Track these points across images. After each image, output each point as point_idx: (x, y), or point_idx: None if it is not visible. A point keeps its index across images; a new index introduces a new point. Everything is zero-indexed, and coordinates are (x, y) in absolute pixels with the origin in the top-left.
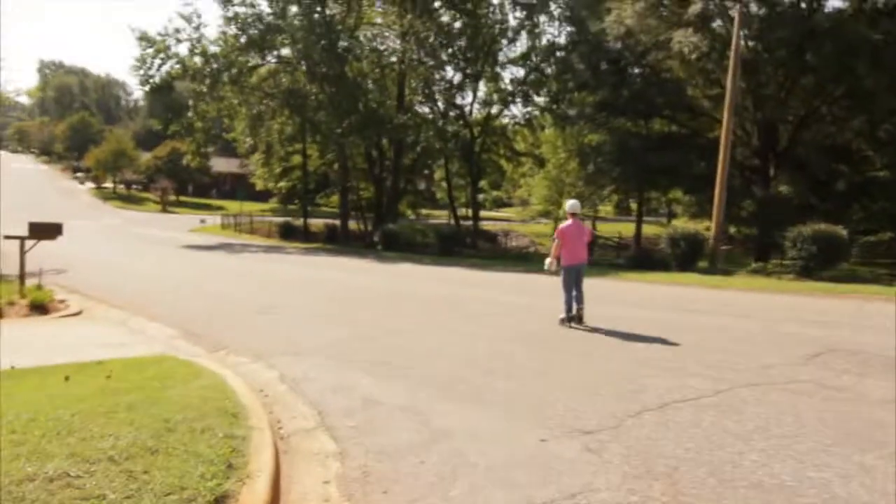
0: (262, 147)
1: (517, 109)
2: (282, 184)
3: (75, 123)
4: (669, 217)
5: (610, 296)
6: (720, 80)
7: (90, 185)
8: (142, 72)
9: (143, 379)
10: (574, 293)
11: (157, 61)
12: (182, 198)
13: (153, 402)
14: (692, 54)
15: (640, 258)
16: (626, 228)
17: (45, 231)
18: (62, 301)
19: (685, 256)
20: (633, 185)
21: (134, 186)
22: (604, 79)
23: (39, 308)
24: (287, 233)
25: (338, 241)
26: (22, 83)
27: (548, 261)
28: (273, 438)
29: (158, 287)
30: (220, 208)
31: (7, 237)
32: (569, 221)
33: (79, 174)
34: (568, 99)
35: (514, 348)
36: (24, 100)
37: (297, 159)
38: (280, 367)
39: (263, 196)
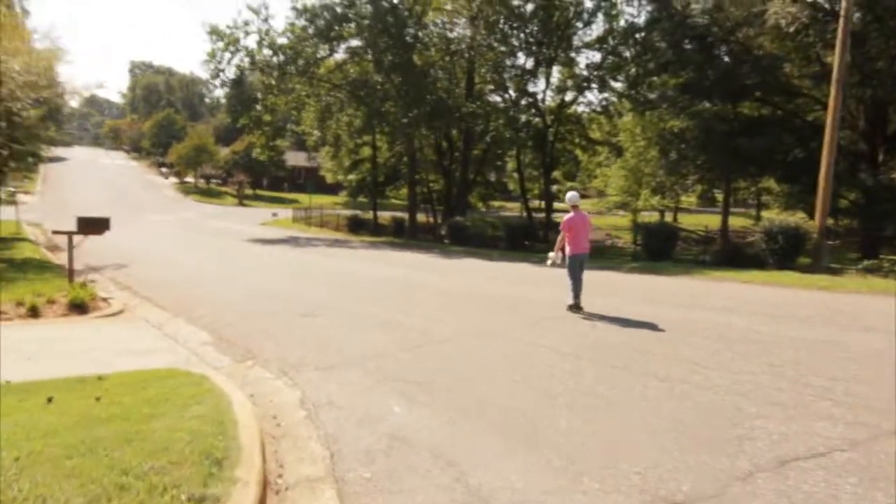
0: (330, 140)
1: (593, 96)
2: (351, 176)
3: (161, 120)
4: (759, 208)
5: (697, 298)
6: (821, 57)
7: (173, 179)
8: (212, 66)
9: (137, 402)
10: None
11: (227, 55)
12: (258, 191)
13: (127, 440)
14: (790, 27)
15: (729, 254)
16: (711, 221)
17: (93, 226)
18: (105, 299)
19: (783, 252)
20: (720, 174)
21: (213, 180)
22: (688, 58)
23: (79, 307)
24: (355, 226)
25: (405, 235)
26: (109, 82)
27: (551, 254)
28: (259, 497)
29: (210, 284)
30: (293, 201)
31: (55, 232)
32: (571, 213)
33: (163, 169)
34: (648, 83)
35: (581, 366)
36: (118, 98)
37: (366, 151)
38: (305, 385)
39: (334, 189)
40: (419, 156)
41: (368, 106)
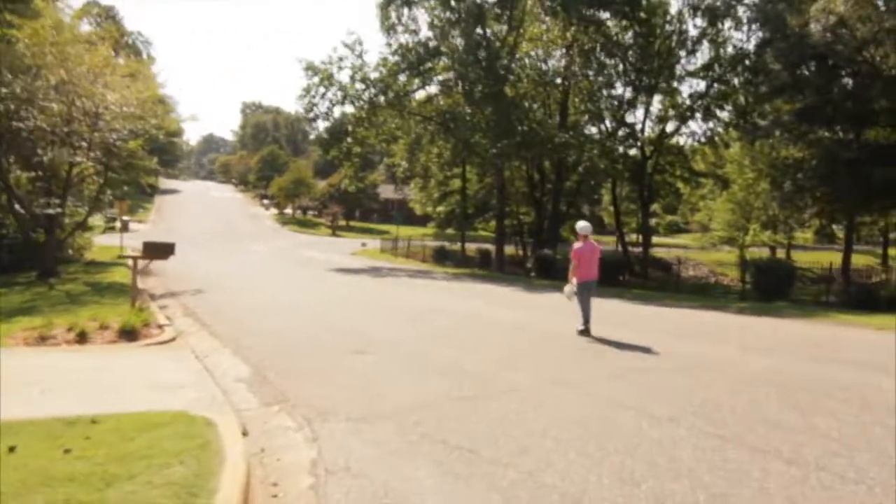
0: (419, 171)
1: (697, 125)
2: (440, 208)
3: (265, 156)
4: (885, 245)
5: (824, 348)
6: None
7: (273, 210)
8: (307, 100)
9: (110, 458)
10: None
11: (321, 89)
12: (351, 223)
13: None
14: None
15: (858, 295)
16: (828, 258)
17: (159, 251)
18: (161, 326)
19: None
20: (843, 207)
21: (309, 212)
22: (806, 81)
23: (129, 334)
24: (440, 257)
25: (491, 267)
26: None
27: (567, 287)
28: None
29: (274, 314)
30: (384, 232)
31: (121, 257)
32: (580, 243)
33: (265, 201)
34: (758, 111)
35: (678, 437)
36: (230, 136)
37: (455, 183)
38: (327, 440)
39: (423, 221)
40: (510, 188)
41: (457, 137)
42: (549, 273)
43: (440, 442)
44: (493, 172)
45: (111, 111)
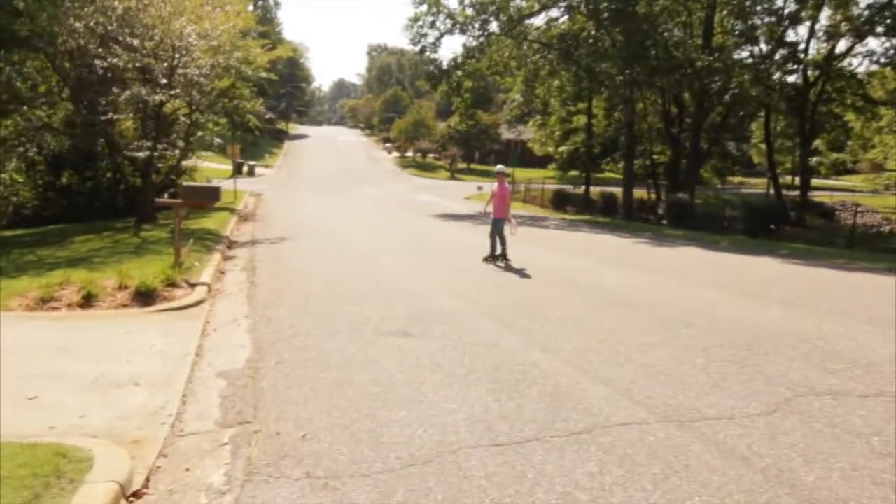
0: (538, 107)
1: (876, 43)
2: (562, 148)
3: (389, 98)
4: None
5: None
6: None
7: (395, 154)
8: (414, 30)
9: None
10: (499, 239)
11: (429, 18)
12: (471, 165)
13: None
14: None
15: None
16: None
17: (201, 195)
18: (194, 285)
19: None
20: None
21: (429, 155)
22: None
23: (144, 296)
24: (559, 202)
25: (616, 213)
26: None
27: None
28: None
29: (336, 270)
30: (509, 175)
31: (159, 202)
32: (496, 185)
33: (387, 144)
34: None
35: None
36: (357, 80)
37: (580, 120)
38: None
39: (543, 162)
40: (641, 123)
41: (580, 65)
42: (683, 221)
43: None
44: (623, 105)
45: (186, 43)
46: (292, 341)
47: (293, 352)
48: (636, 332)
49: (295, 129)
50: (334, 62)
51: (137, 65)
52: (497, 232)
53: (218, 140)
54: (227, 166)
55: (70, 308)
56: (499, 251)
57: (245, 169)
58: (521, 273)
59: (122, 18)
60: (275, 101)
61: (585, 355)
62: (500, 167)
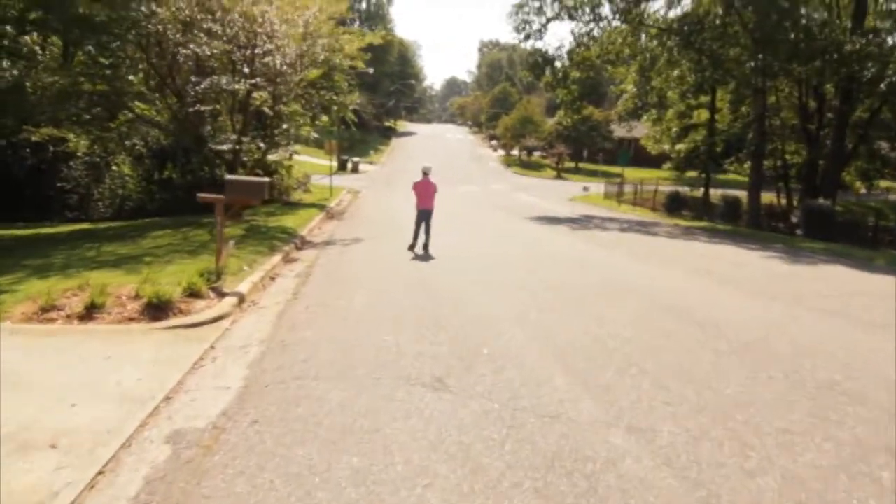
0: (653, 100)
1: None
2: (679, 146)
3: (497, 94)
4: None
5: None
6: None
7: (501, 152)
8: (519, 17)
9: None
10: (423, 231)
11: (535, 3)
12: (580, 164)
13: None
14: None
15: None
16: None
17: (247, 191)
18: (225, 294)
19: None
20: None
21: (536, 152)
22: None
23: (156, 308)
24: (673, 205)
25: (739, 220)
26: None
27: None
28: None
29: (394, 280)
30: (616, 175)
31: (201, 197)
32: (420, 178)
33: (493, 142)
34: None
35: None
36: (468, 78)
37: (701, 115)
38: None
39: (657, 161)
40: (774, 119)
41: (703, 52)
42: (823, 232)
43: None
44: (751, 97)
45: (268, 29)
46: (290, 386)
47: (282, 405)
48: (780, 407)
49: (404, 126)
50: (446, 60)
51: (216, 52)
52: (425, 223)
53: (315, 135)
54: (332, 162)
55: (68, 320)
56: (419, 244)
57: (349, 165)
58: (612, 294)
59: (201, 4)
60: (384, 98)
61: (695, 449)
62: (426, 165)
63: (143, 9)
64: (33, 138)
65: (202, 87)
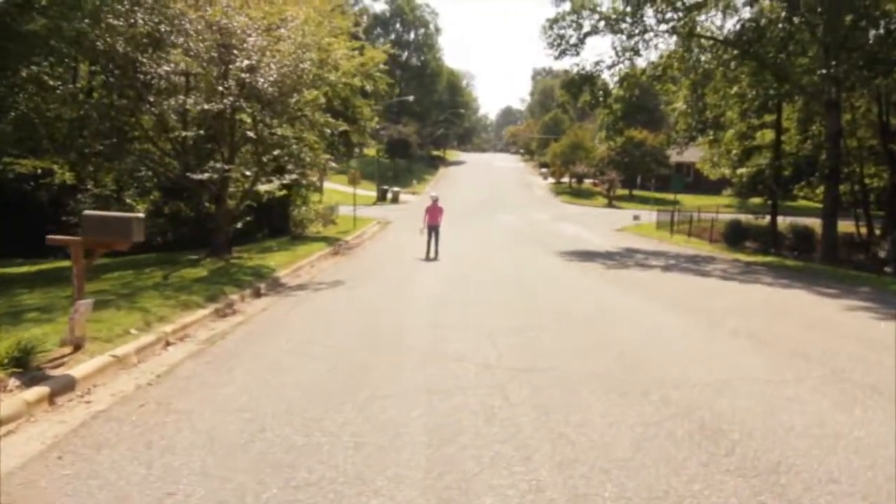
0: (709, 119)
1: None
2: (741, 170)
3: (548, 122)
4: None
5: None
6: None
7: (551, 179)
8: (553, 31)
9: None
10: (432, 244)
11: (572, 16)
12: (633, 192)
13: None
14: None
15: None
16: None
17: (108, 230)
18: (42, 380)
19: None
20: None
21: (586, 180)
22: None
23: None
24: (735, 236)
25: (812, 253)
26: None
27: (419, 227)
28: None
29: (340, 354)
30: (673, 203)
31: (50, 239)
32: (430, 202)
33: (543, 170)
34: None
35: None
36: (521, 107)
37: (766, 136)
38: None
39: (716, 187)
40: (850, 140)
41: (763, 62)
42: None
43: None
44: (823, 114)
45: (239, 37)
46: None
47: None
48: None
49: (455, 155)
50: (503, 90)
51: (182, 69)
52: (435, 237)
53: (333, 165)
54: (371, 192)
55: None
56: (431, 254)
57: (389, 195)
58: (613, 386)
59: (161, 12)
60: (431, 128)
61: None
62: (433, 194)
63: (87, 20)
64: (19, 170)
65: (164, 107)
